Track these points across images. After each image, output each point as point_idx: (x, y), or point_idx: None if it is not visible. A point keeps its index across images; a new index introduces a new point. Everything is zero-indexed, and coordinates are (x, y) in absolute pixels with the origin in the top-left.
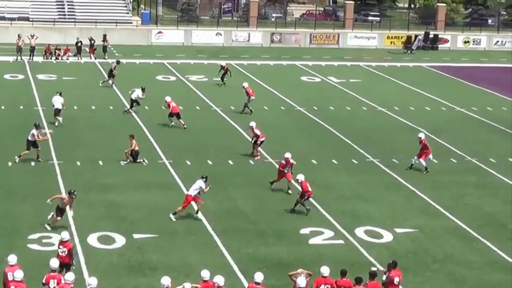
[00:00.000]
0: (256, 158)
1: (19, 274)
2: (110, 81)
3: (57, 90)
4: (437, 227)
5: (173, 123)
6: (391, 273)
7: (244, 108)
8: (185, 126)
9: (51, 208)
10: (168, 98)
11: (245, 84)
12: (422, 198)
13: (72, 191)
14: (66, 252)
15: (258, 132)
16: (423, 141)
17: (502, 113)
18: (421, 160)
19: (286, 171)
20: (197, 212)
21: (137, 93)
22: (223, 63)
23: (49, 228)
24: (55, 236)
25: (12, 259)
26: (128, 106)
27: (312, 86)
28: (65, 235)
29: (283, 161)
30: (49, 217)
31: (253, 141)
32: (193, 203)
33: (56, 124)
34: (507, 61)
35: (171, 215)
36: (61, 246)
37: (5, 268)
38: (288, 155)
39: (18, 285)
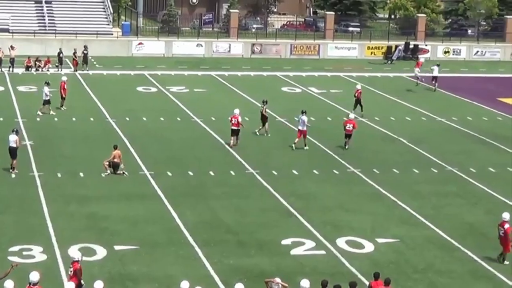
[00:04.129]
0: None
1: None
2: (264, 128)
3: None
4: (418, 237)
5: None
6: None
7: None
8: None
9: (32, 220)
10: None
11: (422, 60)
12: (403, 208)
13: None
14: (72, 273)
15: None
16: None
17: (482, 123)
18: None
19: None
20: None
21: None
22: (359, 86)
23: None
24: (35, 248)
25: None
26: None
27: (293, 97)
28: (75, 254)
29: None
30: None
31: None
32: None
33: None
34: (486, 71)
35: None
36: (70, 265)
37: None
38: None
39: None
